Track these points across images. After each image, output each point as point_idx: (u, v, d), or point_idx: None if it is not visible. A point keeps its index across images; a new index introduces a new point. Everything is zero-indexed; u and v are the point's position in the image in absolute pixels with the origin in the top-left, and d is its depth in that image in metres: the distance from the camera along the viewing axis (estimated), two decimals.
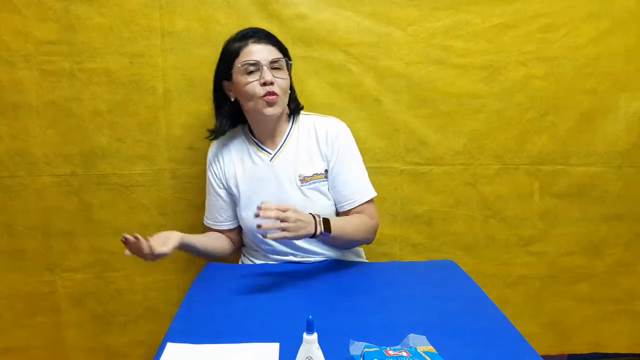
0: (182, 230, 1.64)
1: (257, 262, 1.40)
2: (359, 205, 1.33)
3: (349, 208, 1.33)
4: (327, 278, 1.18)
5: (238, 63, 1.24)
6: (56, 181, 1.58)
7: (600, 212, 1.78)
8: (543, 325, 1.85)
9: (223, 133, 1.38)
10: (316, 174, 1.32)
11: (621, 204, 1.77)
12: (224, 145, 1.40)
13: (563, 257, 1.81)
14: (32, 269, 1.63)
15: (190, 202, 1.64)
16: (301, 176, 1.32)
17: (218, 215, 1.42)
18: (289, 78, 1.29)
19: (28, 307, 1.65)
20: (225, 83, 1.31)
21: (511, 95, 1.67)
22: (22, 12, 1.46)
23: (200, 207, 1.64)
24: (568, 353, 1.91)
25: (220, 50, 1.54)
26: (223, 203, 1.40)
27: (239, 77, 1.24)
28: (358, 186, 1.34)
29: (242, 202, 1.35)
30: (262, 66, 1.22)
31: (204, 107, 1.58)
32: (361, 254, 1.50)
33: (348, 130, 1.36)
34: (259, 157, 1.35)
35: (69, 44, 1.49)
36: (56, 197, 1.59)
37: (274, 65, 1.24)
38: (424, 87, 1.64)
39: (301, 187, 1.31)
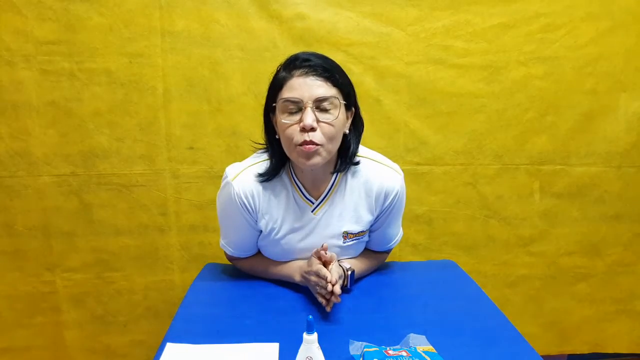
0: (182, 231, 1.66)
1: None
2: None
3: (379, 250, 1.27)
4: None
5: (280, 98, 1.03)
6: (56, 181, 1.58)
7: (600, 212, 1.78)
8: (543, 325, 1.85)
9: (276, 174, 1.12)
10: (361, 232, 1.17)
11: (621, 204, 1.77)
12: (260, 182, 1.13)
13: (563, 257, 1.81)
14: (32, 269, 1.63)
15: (190, 202, 1.64)
16: (345, 233, 1.15)
17: (251, 247, 1.22)
18: (341, 121, 1.04)
19: (28, 307, 1.65)
20: (272, 116, 1.09)
21: (511, 95, 1.67)
22: (22, 12, 1.46)
23: (201, 207, 1.65)
24: (568, 353, 1.91)
25: (219, 49, 1.55)
26: (255, 237, 1.19)
27: (279, 115, 1.04)
28: (394, 236, 1.26)
29: (272, 241, 1.17)
30: (304, 106, 1.00)
31: (203, 107, 1.58)
32: None
33: (404, 185, 1.17)
34: (300, 205, 1.14)
35: (69, 44, 1.49)
36: (56, 197, 1.59)
37: (320, 105, 1.01)
38: (424, 87, 1.64)
39: (343, 244, 1.16)
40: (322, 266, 1.05)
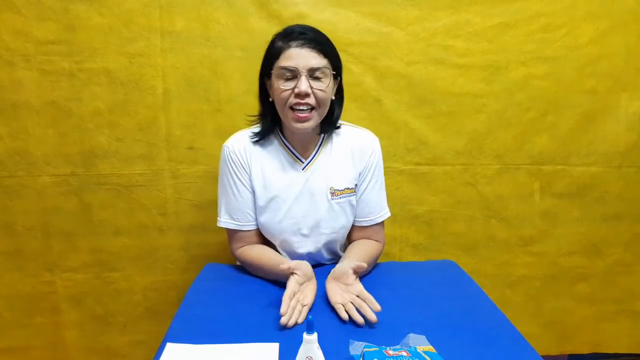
0: (182, 231, 1.66)
1: None
2: (372, 225, 1.31)
3: (363, 225, 1.31)
4: (327, 278, 1.17)
5: (277, 65, 1.14)
6: (56, 181, 1.58)
7: (600, 212, 1.78)
8: (543, 325, 1.85)
9: (267, 135, 1.25)
10: (347, 188, 1.26)
11: (621, 204, 1.77)
12: (252, 142, 1.26)
13: (563, 257, 1.81)
14: (32, 269, 1.63)
15: (190, 202, 1.64)
16: (332, 189, 1.25)
17: (250, 213, 1.27)
18: (330, 89, 1.17)
19: (28, 307, 1.65)
20: (267, 81, 1.20)
21: (511, 95, 1.67)
22: (22, 12, 1.46)
23: (200, 207, 1.65)
24: (568, 353, 1.91)
25: (219, 49, 1.55)
26: (252, 200, 1.26)
27: (275, 81, 1.15)
28: (377, 206, 1.31)
29: (264, 205, 1.25)
30: (299, 74, 1.11)
31: (203, 107, 1.58)
32: None
33: (380, 146, 1.31)
34: (291, 164, 1.25)
35: (69, 44, 1.49)
36: (56, 197, 1.59)
37: (314, 74, 1.12)
38: (424, 87, 1.64)
39: (331, 201, 1.26)
40: (286, 291, 1.05)
